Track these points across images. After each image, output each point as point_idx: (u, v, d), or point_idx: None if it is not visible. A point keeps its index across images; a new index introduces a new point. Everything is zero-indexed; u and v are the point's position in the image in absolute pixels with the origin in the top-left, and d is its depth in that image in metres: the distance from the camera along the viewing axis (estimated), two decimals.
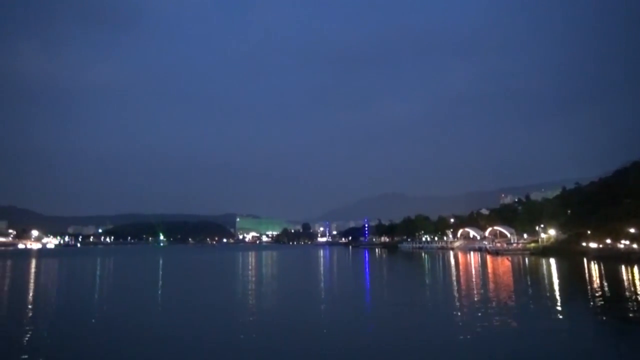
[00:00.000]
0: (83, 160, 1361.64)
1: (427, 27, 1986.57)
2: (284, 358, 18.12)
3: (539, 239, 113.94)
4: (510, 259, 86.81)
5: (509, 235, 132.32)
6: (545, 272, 59.10)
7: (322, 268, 78.66)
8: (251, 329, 23.10)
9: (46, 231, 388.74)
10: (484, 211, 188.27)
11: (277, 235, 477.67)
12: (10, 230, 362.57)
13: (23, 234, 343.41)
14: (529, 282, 47.37)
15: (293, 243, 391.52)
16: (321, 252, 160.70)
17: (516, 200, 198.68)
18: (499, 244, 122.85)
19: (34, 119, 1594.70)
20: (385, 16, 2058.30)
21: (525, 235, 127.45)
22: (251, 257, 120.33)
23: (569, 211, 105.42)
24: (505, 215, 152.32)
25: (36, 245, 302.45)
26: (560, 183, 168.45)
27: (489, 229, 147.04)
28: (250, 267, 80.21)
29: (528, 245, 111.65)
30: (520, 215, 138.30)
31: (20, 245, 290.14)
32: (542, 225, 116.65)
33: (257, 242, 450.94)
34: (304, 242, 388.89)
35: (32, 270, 73.90)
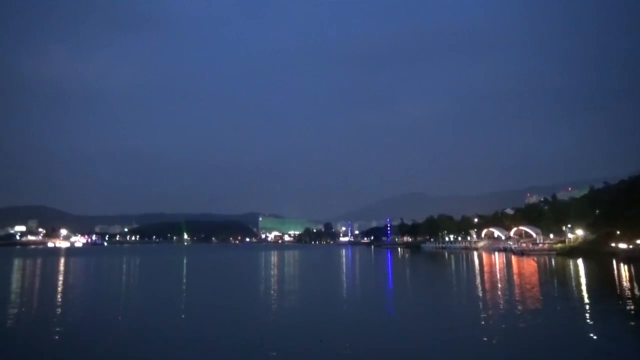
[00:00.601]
0: (110, 160, 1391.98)
1: (448, 26, 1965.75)
2: (305, 359, 18.10)
3: (566, 239, 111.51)
4: (536, 259, 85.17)
5: (534, 235, 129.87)
6: (572, 273, 57.77)
7: (344, 268, 78.48)
8: (273, 330, 23.16)
9: (74, 230, 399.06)
10: (509, 211, 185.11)
11: (299, 234, 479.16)
12: (41, 229, 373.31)
13: (52, 233, 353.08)
14: (556, 283, 46.39)
15: (315, 243, 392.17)
16: (343, 252, 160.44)
17: (542, 199, 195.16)
18: (524, 244, 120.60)
19: (63, 120, 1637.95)
20: (405, 16, 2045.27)
21: (551, 236, 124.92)
22: (274, 257, 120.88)
23: (597, 211, 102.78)
24: (530, 214, 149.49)
25: (64, 244, 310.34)
26: (588, 182, 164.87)
27: (514, 229, 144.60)
28: (272, 267, 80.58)
29: (554, 246, 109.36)
30: (547, 215, 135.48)
31: (50, 244, 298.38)
32: (569, 225, 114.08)
33: (280, 241, 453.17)
34: (326, 242, 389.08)
35: (61, 268, 75.66)
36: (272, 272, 66.67)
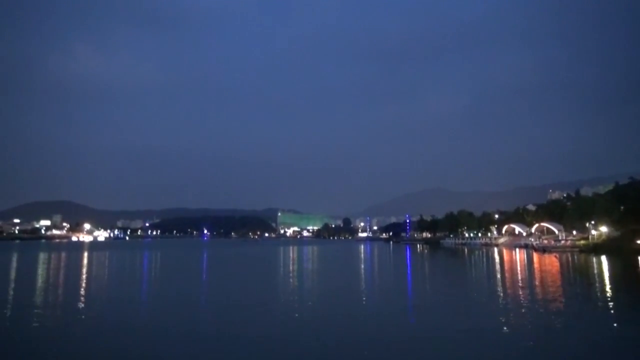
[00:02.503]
0: (132, 157, 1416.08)
1: (471, 20, 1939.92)
2: (324, 351, 18.20)
3: (589, 236, 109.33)
4: (558, 256, 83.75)
5: (556, 231, 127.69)
6: (596, 270, 56.65)
7: (363, 263, 78.41)
8: (293, 325, 23.36)
9: (97, 225, 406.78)
10: (531, 207, 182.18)
11: (318, 230, 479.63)
12: (65, 224, 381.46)
13: (76, 227, 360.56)
14: (579, 281, 45.61)
15: (333, 238, 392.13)
16: (362, 247, 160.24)
17: (565, 195, 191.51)
18: (546, 241, 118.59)
19: (88, 117, 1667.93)
20: (426, 10, 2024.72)
21: (574, 232, 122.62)
22: (292, 252, 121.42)
23: (622, 207, 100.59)
24: (553, 211, 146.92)
25: (88, 238, 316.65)
26: (613, 178, 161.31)
27: (536, 225, 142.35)
28: (291, 262, 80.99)
29: (577, 243, 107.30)
30: (569, 211, 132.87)
31: (74, 238, 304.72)
32: (592, 222, 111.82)
33: (298, 236, 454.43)
34: (345, 237, 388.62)
35: (85, 262, 77.31)
36: (290, 268, 67.04)
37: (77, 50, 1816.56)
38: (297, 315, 25.25)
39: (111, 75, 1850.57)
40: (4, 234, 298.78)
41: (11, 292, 36.27)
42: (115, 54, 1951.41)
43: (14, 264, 70.79)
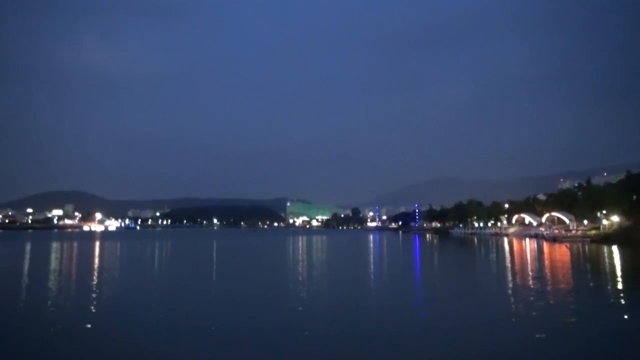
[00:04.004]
0: (141, 147, 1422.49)
1: (478, 8, 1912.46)
2: (333, 343, 18.29)
3: (601, 226, 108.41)
4: (568, 246, 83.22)
5: (567, 221, 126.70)
6: (607, 260, 56.25)
7: (372, 253, 78.56)
8: (301, 317, 23.51)
9: (108, 214, 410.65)
10: (541, 196, 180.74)
11: (327, 219, 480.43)
12: (77, 213, 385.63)
13: (87, 217, 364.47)
14: (590, 271, 45.35)
15: (343, 228, 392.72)
16: (371, 237, 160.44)
17: (576, 185, 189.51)
18: (556, 231, 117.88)
19: (97, 107, 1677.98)
20: None
21: (585, 222, 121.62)
22: (301, 241, 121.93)
23: (634, 196, 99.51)
24: (563, 200, 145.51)
25: (99, 228, 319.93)
26: (624, 167, 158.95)
27: (546, 215, 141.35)
28: (300, 251, 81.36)
29: (588, 232, 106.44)
30: (580, 201, 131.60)
31: (85, 228, 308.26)
32: (604, 212, 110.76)
33: (307, 226, 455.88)
34: (354, 227, 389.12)
35: (97, 251, 78.23)
36: (300, 257, 67.33)
37: (84, 41, 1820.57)
38: (301, 309, 25.11)
39: (118, 66, 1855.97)
40: (17, 224, 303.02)
41: (25, 281, 36.88)
42: (122, 45, 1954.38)
43: (28, 254, 71.76)
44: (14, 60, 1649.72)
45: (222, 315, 23.28)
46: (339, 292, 31.17)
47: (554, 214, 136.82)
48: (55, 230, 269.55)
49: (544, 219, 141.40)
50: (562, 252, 67.92)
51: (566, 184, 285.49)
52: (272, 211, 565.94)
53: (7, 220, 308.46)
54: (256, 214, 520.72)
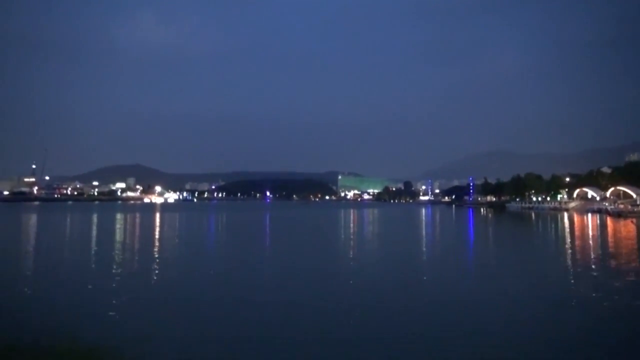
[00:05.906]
0: (199, 122, 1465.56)
1: None
2: (383, 314, 18.53)
3: None
4: (635, 221, 78.74)
5: (635, 196, 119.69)
6: None
7: (424, 227, 77.84)
8: (353, 289, 23.91)
9: (167, 187, 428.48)
10: (606, 169, 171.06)
11: (378, 193, 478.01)
12: (138, 186, 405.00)
13: (148, 190, 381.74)
14: None
15: (394, 201, 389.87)
16: (423, 211, 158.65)
17: None
18: (622, 206, 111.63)
19: (154, 84, 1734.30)
20: None
21: None
22: (353, 215, 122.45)
23: None
24: (631, 174, 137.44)
25: (159, 200, 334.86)
26: None
27: (611, 189, 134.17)
28: (352, 224, 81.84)
29: None
30: None
31: (146, 200, 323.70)
32: None
33: (359, 199, 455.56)
34: (405, 201, 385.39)
35: (157, 222, 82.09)
36: (351, 230, 67.79)
37: (141, 18, 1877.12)
38: (351, 282, 25.63)
39: (175, 43, 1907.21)
40: (85, 196, 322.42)
41: (94, 249, 39.48)
42: (179, 22, 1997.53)
43: (96, 224, 76.31)
44: (75, 39, 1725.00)
45: (270, 291, 24.13)
46: (391, 266, 31.37)
47: (619, 188, 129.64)
48: (119, 202, 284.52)
49: (608, 194, 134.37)
50: (628, 229, 64.47)
51: (635, 157, 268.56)
52: (324, 184, 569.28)
53: (75, 193, 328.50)
54: (308, 187, 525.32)
